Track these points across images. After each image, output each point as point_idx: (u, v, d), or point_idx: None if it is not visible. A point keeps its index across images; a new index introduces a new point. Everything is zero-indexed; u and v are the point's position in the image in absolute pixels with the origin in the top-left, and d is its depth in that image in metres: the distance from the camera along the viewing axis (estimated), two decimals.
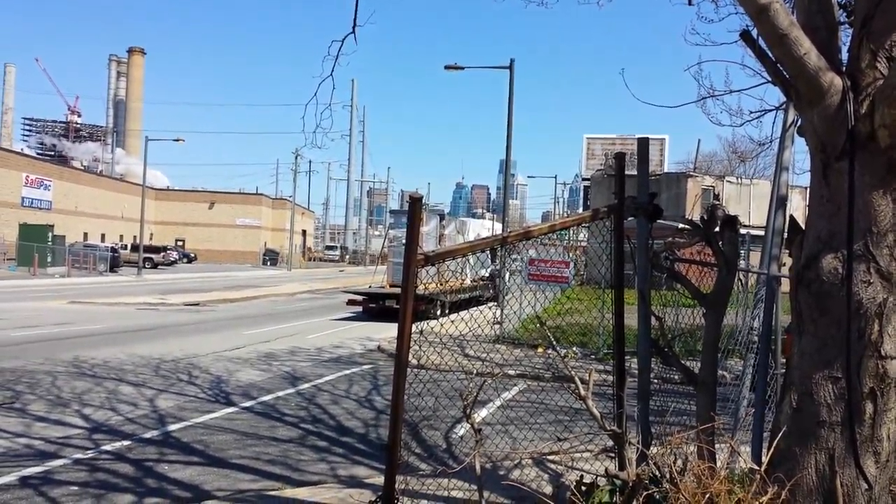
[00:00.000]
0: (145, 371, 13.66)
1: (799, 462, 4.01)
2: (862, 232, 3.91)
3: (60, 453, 8.21)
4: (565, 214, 71.92)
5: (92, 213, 70.24)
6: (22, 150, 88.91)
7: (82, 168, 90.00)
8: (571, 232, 17.46)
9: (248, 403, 11.18)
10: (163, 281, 46.14)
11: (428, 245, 27.87)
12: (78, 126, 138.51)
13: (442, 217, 34.65)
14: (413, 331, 4.75)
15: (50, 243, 49.54)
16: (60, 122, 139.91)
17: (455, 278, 25.31)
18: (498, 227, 37.57)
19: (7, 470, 7.52)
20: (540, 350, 17.29)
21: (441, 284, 23.91)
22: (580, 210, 70.20)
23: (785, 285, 5.19)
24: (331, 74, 8.06)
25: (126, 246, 64.89)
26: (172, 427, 9.56)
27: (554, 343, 5.86)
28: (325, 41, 8.22)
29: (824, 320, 4.00)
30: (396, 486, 4.80)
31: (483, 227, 39.99)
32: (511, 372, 14.03)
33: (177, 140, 57.77)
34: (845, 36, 4.97)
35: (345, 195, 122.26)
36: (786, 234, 5.45)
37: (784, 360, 5.38)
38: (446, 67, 27.42)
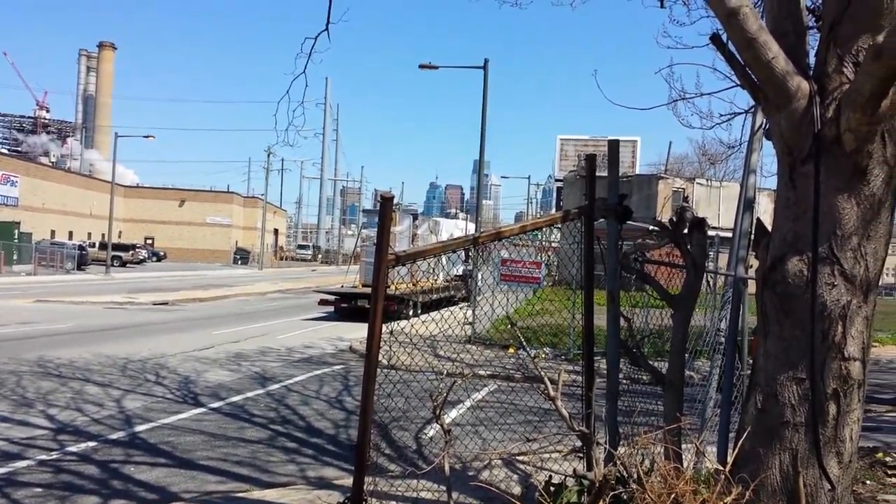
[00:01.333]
0: (112, 371, 13.47)
1: (763, 462, 4.05)
2: (827, 235, 3.96)
3: (24, 454, 8.06)
4: (538, 215, 72.16)
5: (59, 210, 69.15)
6: None
7: (50, 164, 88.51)
8: (544, 232, 17.53)
9: (216, 404, 11.07)
10: (131, 279, 45.57)
11: (401, 245, 27.83)
12: (46, 121, 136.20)
13: (415, 217, 34.67)
14: (384, 331, 4.73)
15: (16, 241, 48.65)
16: (28, 117, 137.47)
17: (427, 278, 25.32)
18: (471, 228, 37.60)
19: None
20: (511, 351, 17.33)
21: (413, 284, 23.91)
22: (553, 211, 70.46)
23: (752, 287, 5.24)
24: (303, 72, 8.01)
25: (94, 244, 63.88)
26: (139, 428, 9.43)
27: (524, 344, 5.87)
28: (299, 38, 8.17)
29: (789, 322, 4.05)
30: (365, 487, 4.78)
31: (456, 228, 40.07)
32: (482, 372, 14.04)
33: (147, 137, 56.98)
34: (813, 41, 5.03)
35: (318, 194, 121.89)
36: (753, 237, 5.50)
37: (750, 362, 5.43)
38: (421, 66, 27.36)
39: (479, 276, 20.36)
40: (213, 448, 8.66)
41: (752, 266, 5.55)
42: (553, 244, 23.64)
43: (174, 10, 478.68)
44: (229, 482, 7.40)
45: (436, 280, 27.96)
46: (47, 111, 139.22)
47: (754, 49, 3.99)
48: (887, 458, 7.28)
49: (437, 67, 27.74)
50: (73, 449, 8.39)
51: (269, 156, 78.07)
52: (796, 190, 4.09)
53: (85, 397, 11.11)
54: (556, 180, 68.52)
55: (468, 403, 11.25)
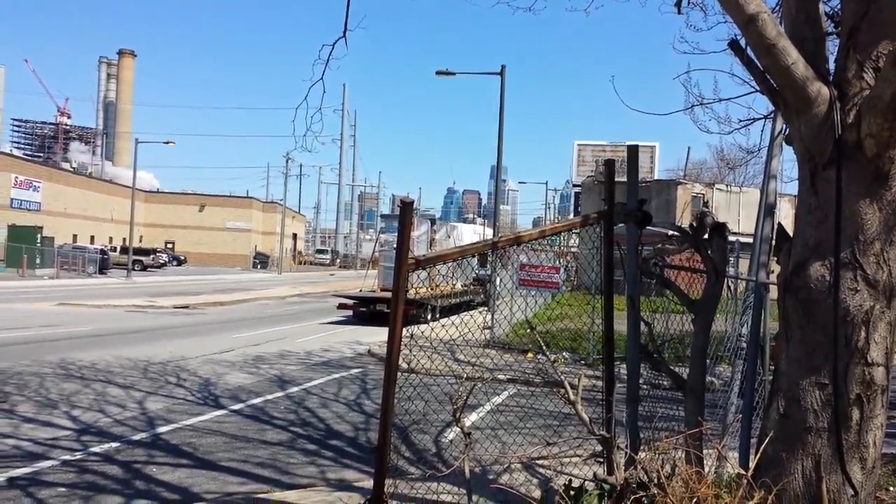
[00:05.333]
0: (134, 373, 13.61)
1: (786, 467, 4.04)
2: (849, 240, 3.95)
3: (49, 454, 8.18)
4: (556, 220, 71.99)
5: (81, 215, 69.89)
6: (11, 150, 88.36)
7: (72, 170, 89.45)
8: (562, 237, 17.51)
9: (236, 406, 11.16)
10: (152, 283, 45.95)
11: (418, 249, 27.88)
12: (67, 128, 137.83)
13: (433, 222, 34.68)
14: (403, 335, 4.76)
15: (39, 245, 49.27)
16: (50, 123, 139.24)
17: (446, 283, 25.36)
18: (489, 232, 37.61)
19: None
20: (530, 355, 17.32)
21: (432, 289, 23.99)
22: (571, 216, 70.39)
23: (773, 292, 5.23)
24: (321, 78, 8.06)
25: (115, 248, 64.54)
26: (161, 429, 9.54)
27: (544, 348, 5.88)
28: (317, 44, 8.23)
29: (811, 327, 4.04)
30: (385, 489, 4.81)
31: (474, 233, 40.07)
32: (501, 377, 14.06)
33: (167, 142, 57.58)
34: (832, 45, 5.02)
35: (336, 199, 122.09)
36: (774, 242, 5.49)
37: (772, 367, 5.42)
38: (438, 73, 27.45)
39: (498, 281, 20.37)
40: (234, 449, 8.74)
41: (773, 271, 5.55)
42: (572, 249, 23.64)
43: (193, 17, 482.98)
44: (250, 483, 7.47)
45: (454, 284, 27.99)
46: (69, 117, 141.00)
47: (773, 55, 3.99)
48: None
49: (454, 74, 27.85)
50: (96, 449, 8.50)
51: (287, 161, 78.55)
52: (818, 195, 4.08)
53: (107, 399, 11.25)
54: (574, 185, 68.45)
55: (487, 407, 11.27)
